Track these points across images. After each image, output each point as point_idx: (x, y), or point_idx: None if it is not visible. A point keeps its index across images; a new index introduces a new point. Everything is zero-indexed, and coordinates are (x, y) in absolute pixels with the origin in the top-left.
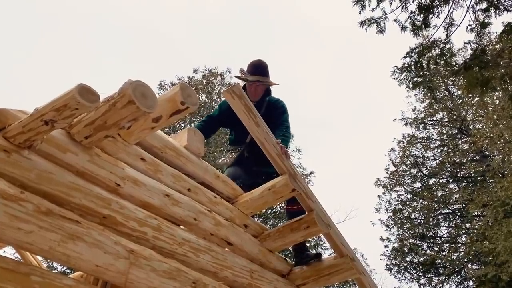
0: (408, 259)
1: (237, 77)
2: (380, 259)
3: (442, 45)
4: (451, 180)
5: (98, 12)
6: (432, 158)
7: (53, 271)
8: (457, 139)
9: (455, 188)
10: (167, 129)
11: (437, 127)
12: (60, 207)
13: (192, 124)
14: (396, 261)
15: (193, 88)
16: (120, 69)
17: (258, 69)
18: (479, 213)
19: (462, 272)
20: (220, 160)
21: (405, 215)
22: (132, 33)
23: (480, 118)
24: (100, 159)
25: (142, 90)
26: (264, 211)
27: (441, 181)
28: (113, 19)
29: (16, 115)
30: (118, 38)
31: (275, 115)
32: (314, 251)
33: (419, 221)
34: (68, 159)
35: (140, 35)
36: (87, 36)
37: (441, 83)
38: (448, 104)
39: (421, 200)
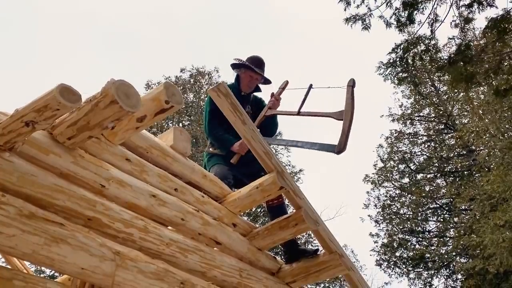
0: (397, 254)
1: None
2: (370, 255)
3: (427, 41)
4: (438, 175)
5: (82, 12)
6: (419, 153)
7: (41, 274)
8: (444, 134)
9: (443, 183)
10: (154, 129)
11: (424, 122)
12: (43, 210)
13: (180, 124)
14: (385, 257)
15: (181, 88)
16: (106, 69)
17: (263, 66)
18: (466, 207)
19: (451, 265)
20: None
21: (394, 210)
22: (118, 33)
23: (466, 113)
24: (84, 160)
25: (125, 90)
26: (254, 209)
27: (428, 176)
28: (98, 20)
29: None
30: (104, 38)
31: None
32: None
33: (407, 216)
34: (51, 161)
35: (126, 35)
36: (71, 37)
37: (427, 79)
38: (434, 99)
39: (409, 195)
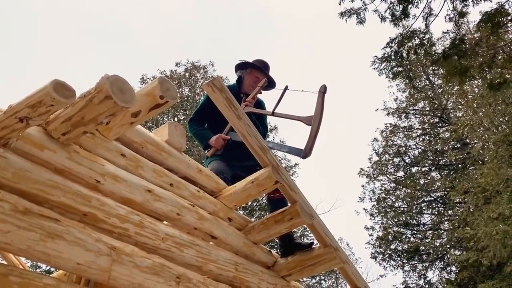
0: (392, 247)
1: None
2: (365, 248)
3: (421, 35)
4: (433, 168)
5: (76, 6)
6: (414, 147)
7: (37, 269)
8: (438, 128)
9: (437, 176)
10: (149, 123)
11: (419, 116)
12: (38, 206)
13: (175, 118)
14: (380, 249)
15: (176, 82)
16: (101, 64)
17: (269, 70)
18: (460, 199)
19: (445, 258)
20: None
21: (389, 203)
22: (113, 27)
23: (460, 107)
24: (79, 155)
25: (119, 85)
26: (249, 203)
27: (423, 169)
28: (92, 14)
29: None
30: (99, 32)
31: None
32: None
33: (402, 209)
34: (45, 157)
35: (121, 29)
36: (64, 31)
37: (422, 73)
38: (429, 93)
39: (404, 189)
